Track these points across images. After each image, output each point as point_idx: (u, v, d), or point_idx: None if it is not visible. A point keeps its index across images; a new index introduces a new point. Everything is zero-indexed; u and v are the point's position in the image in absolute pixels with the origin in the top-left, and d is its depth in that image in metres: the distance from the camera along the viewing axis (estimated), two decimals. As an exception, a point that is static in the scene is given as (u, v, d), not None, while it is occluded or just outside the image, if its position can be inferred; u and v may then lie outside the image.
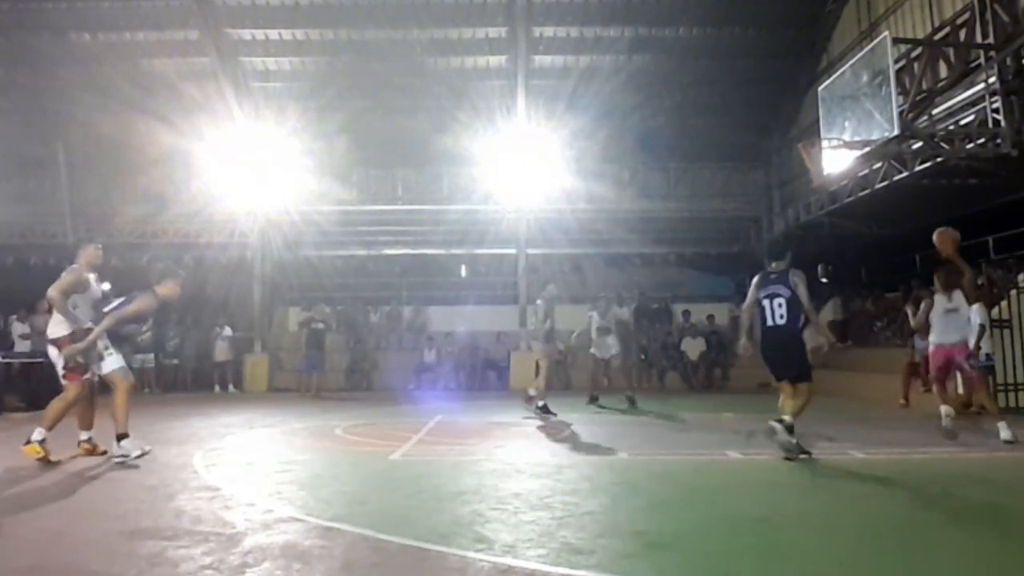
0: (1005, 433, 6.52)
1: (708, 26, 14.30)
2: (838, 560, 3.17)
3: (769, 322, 5.73)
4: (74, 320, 5.78)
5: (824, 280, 18.21)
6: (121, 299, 6.07)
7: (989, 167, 10.13)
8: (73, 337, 5.72)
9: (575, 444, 6.92)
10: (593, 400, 10.62)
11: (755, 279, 6.01)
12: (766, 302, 5.74)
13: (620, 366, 11.30)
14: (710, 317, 16.20)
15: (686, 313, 16.19)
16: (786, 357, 5.76)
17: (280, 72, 15.38)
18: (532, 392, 9.33)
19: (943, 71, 10.08)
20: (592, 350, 10.95)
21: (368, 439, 7.36)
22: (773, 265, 5.96)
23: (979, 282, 10.20)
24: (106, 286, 6.19)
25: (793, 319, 5.66)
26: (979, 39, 9.28)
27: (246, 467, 5.73)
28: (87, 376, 5.85)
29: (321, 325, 13.88)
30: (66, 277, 5.85)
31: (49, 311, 5.89)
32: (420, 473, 5.43)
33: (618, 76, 14.79)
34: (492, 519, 3.82)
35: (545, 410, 8.91)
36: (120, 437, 5.72)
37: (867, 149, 9.69)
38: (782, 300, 5.67)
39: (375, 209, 16.22)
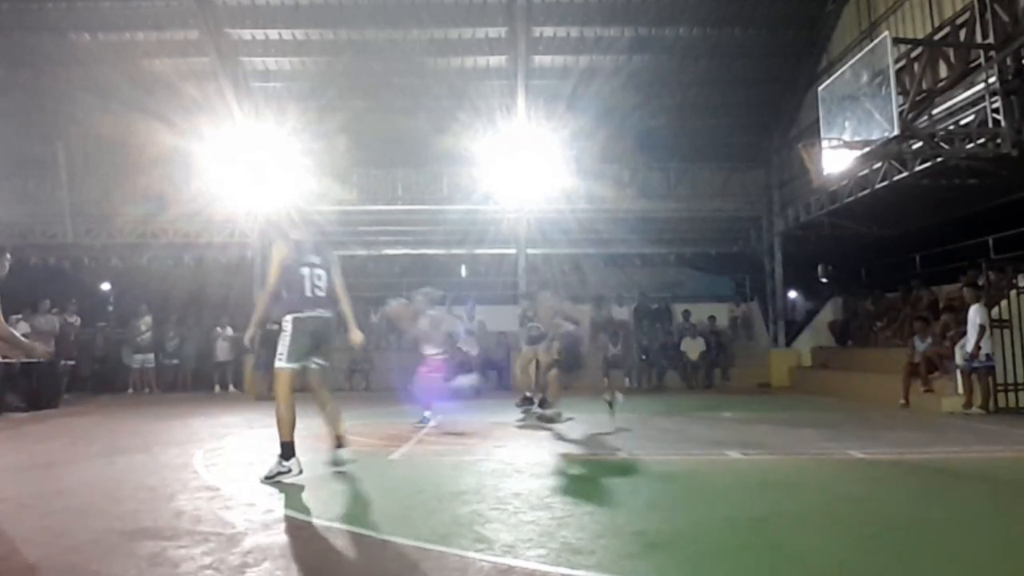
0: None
1: (708, 26, 14.28)
2: (838, 560, 3.16)
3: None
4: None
5: (824, 280, 18.24)
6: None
7: (989, 167, 10.13)
8: None
9: (575, 444, 6.92)
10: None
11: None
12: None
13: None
14: (711, 318, 16.21)
15: (686, 313, 16.19)
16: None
17: (280, 72, 15.36)
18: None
19: (943, 71, 10.07)
20: (460, 347, 11.84)
21: (368, 439, 7.36)
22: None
23: (979, 283, 10.21)
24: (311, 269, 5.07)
25: None
26: (979, 39, 9.26)
27: (246, 467, 5.72)
28: None
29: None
30: None
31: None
32: (420, 473, 5.43)
33: (618, 76, 14.77)
34: (492, 519, 3.82)
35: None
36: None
37: (867, 149, 9.69)
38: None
39: (375, 209, 16.19)
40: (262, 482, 4.80)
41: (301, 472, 4.86)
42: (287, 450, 4.86)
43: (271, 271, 5.07)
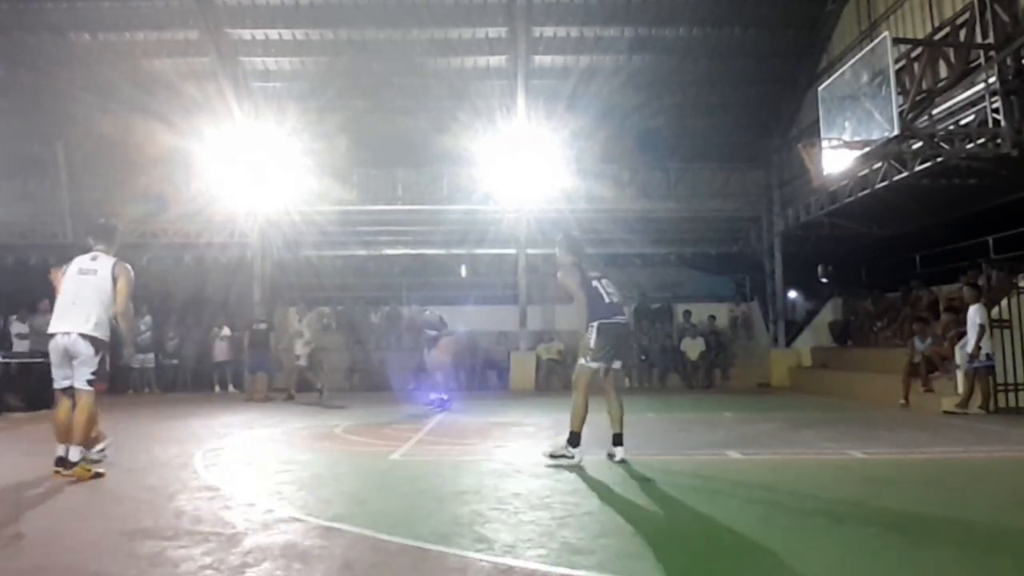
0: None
1: (708, 26, 14.28)
2: (838, 560, 3.17)
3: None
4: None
5: (824, 280, 18.25)
6: None
7: (989, 167, 10.13)
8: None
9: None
10: (290, 398, 12.41)
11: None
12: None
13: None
14: (712, 317, 16.21)
15: (687, 313, 16.19)
16: None
17: (280, 72, 15.36)
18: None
19: (943, 71, 10.07)
20: (297, 352, 12.86)
21: (368, 439, 7.36)
22: None
23: (979, 283, 10.19)
24: None
25: None
26: (979, 39, 9.26)
27: (246, 467, 5.73)
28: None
29: (263, 325, 13.82)
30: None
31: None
32: (420, 473, 5.44)
33: (618, 76, 14.77)
34: (492, 519, 3.82)
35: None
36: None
37: (867, 149, 9.69)
38: None
39: (375, 209, 16.20)
40: (544, 456, 5.42)
41: (580, 461, 5.35)
42: (575, 439, 5.38)
43: (573, 287, 5.55)
